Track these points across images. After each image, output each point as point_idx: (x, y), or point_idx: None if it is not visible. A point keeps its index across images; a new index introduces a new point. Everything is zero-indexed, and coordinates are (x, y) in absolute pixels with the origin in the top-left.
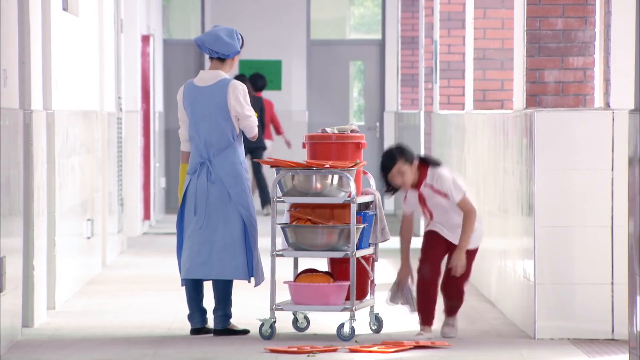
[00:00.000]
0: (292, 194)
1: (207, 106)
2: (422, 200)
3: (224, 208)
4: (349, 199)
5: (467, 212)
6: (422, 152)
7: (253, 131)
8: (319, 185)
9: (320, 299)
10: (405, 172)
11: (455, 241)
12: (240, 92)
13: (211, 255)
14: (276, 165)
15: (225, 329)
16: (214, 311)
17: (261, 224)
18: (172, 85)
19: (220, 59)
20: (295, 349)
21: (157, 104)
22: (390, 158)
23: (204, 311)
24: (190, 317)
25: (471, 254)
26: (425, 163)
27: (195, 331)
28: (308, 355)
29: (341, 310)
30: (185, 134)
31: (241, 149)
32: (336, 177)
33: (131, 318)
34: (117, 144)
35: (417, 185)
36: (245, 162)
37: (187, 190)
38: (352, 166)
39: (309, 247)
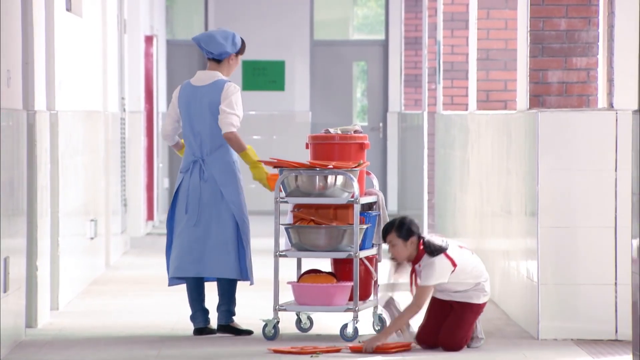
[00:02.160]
0: (296, 195)
1: (201, 105)
2: (413, 277)
3: (217, 206)
4: (352, 199)
5: (416, 299)
6: (427, 233)
7: (226, 127)
8: (322, 186)
9: (323, 300)
10: (397, 245)
11: (450, 298)
12: (231, 91)
13: (204, 254)
14: (279, 165)
15: (228, 325)
16: (218, 307)
17: (264, 225)
18: (175, 85)
19: (215, 60)
20: (298, 349)
21: (161, 104)
22: (386, 227)
23: (207, 311)
24: (192, 318)
25: (478, 310)
26: (426, 248)
27: (198, 331)
28: (311, 356)
29: (344, 311)
30: (168, 129)
31: None
32: (340, 177)
33: (134, 318)
34: (120, 145)
35: (414, 262)
36: (238, 162)
37: (179, 189)
38: (355, 167)
39: (312, 247)
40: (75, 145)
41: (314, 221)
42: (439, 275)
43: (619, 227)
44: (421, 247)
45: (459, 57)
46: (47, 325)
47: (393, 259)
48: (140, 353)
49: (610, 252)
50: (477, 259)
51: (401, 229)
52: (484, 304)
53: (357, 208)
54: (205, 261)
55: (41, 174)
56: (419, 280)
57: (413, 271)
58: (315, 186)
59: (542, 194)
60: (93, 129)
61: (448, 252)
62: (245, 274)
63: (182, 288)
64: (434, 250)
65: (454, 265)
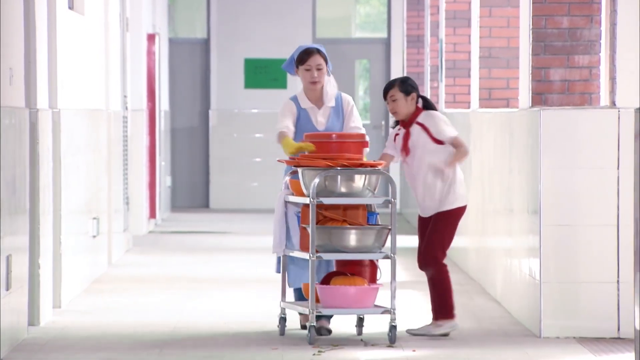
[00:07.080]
0: (323, 195)
1: None
2: (406, 137)
3: None
4: (388, 198)
5: (459, 146)
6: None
7: None
8: (352, 185)
9: (358, 302)
10: (398, 100)
11: (428, 213)
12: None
13: None
14: (298, 164)
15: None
16: None
17: (267, 223)
18: (177, 84)
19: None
20: None
21: (163, 102)
22: (389, 83)
23: None
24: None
25: (451, 217)
26: (424, 105)
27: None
28: (314, 354)
29: (382, 313)
30: None
31: None
32: (367, 176)
33: (137, 317)
34: (122, 143)
35: (408, 122)
36: None
37: None
38: (376, 165)
39: (343, 248)
40: (78, 144)
41: (346, 222)
42: (447, 123)
43: (621, 225)
44: (418, 105)
45: (461, 55)
46: (50, 324)
47: (394, 113)
48: (143, 352)
49: (613, 250)
50: None
51: (404, 85)
52: (459, 209)
53: (393, 209)
54: None
55: (43, 172)
56: (411, 141)
57: (407, 134)
58: (344, 186)
59: (544, 192)
60: (95, 127)
61: None
62: None
63: (182, 287)
64: (433, 106)
65: None
